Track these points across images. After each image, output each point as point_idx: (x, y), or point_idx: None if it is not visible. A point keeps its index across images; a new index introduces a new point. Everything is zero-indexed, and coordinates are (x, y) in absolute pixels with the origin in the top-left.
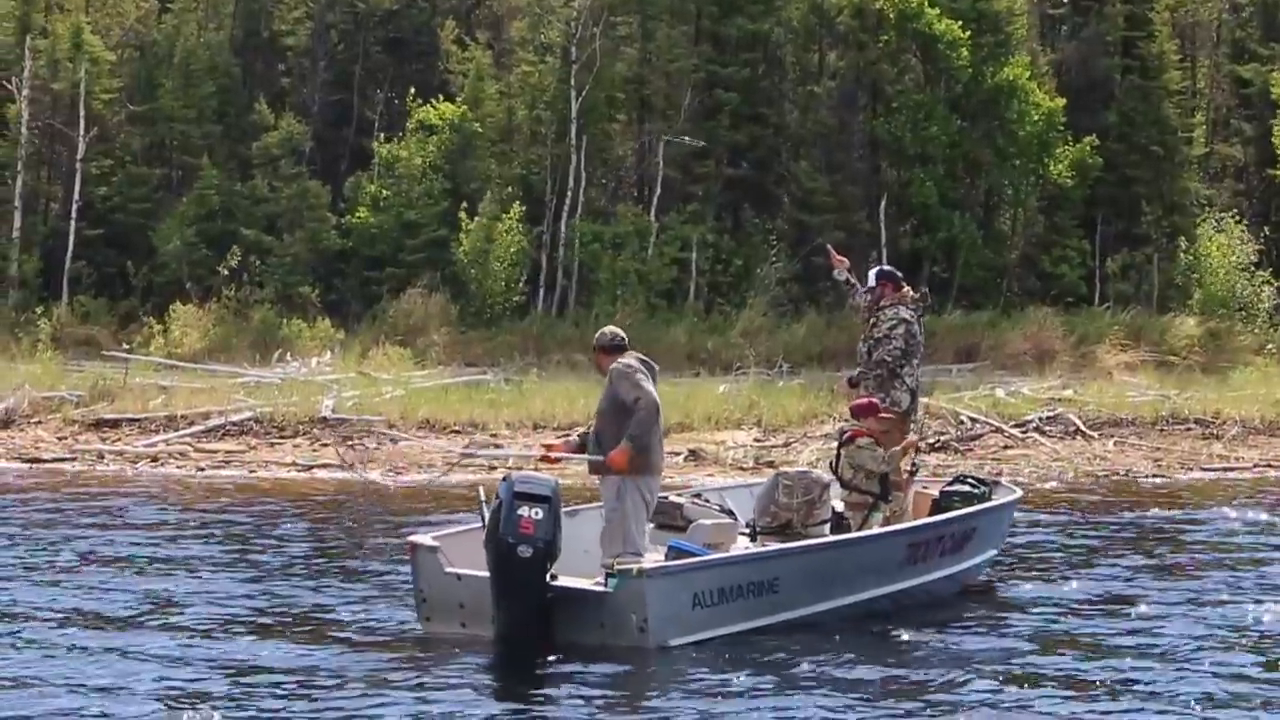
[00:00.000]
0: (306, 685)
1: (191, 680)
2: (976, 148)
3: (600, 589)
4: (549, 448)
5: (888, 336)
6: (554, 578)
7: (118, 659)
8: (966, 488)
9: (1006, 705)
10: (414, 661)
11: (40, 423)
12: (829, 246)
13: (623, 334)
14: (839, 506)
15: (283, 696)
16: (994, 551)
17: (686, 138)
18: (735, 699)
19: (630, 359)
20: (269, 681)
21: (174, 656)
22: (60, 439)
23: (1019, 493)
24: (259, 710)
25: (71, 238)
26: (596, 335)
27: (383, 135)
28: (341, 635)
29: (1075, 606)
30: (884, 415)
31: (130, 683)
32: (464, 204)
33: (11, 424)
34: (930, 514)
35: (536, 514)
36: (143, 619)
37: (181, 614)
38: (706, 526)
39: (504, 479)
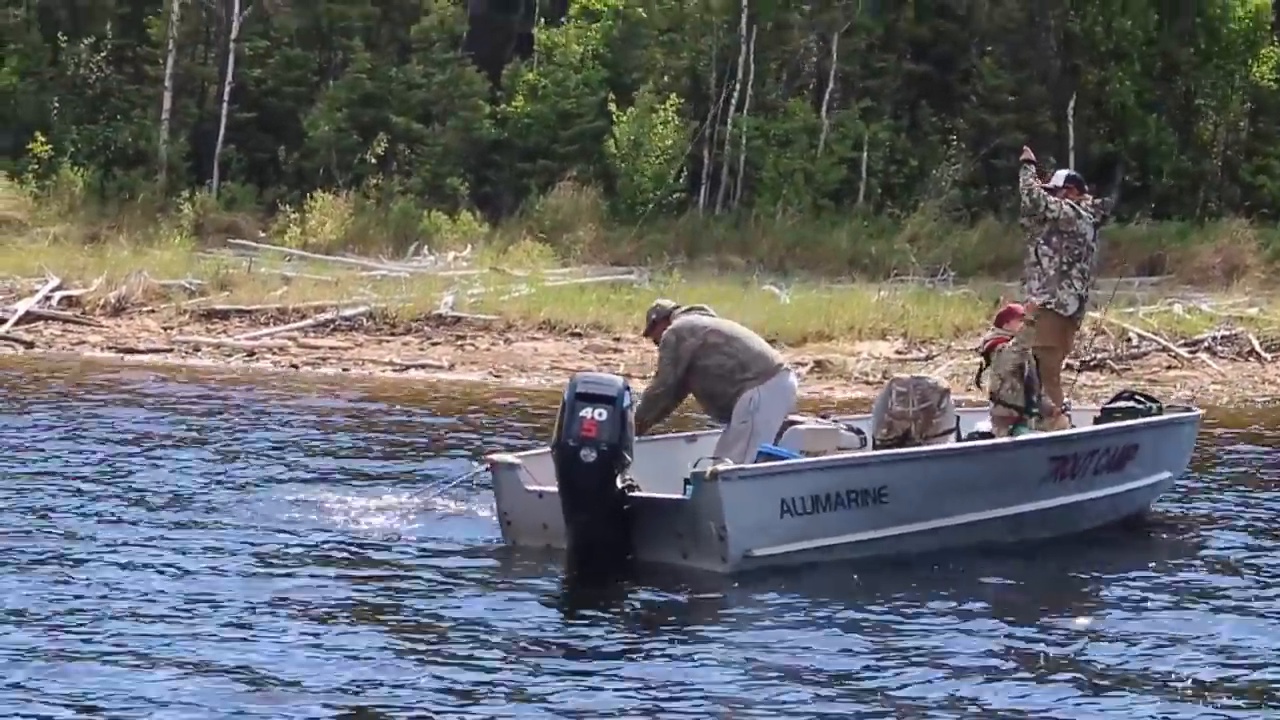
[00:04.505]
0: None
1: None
2: (1175, 46)
3: (677, 497)
4: None
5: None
6: (634, 489)
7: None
8: (1130, 403)
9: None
10: (479, 581)
11: (152, 311)
12: (1025, 146)
13: (667, 304)
14: (985, 426)
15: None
16: (1168, 474)
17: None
18: (817, 624)
19: (678, 324)
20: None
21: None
22: (165, 329)
23: (1197, 412)
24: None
25: (223, 121)
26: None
27: (544, 21)
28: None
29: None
30: (1027, 316)
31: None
32: (622, 94)
33: (122, 312)
34: None
35: (600, 415)
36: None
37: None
38: (801, 432)
39: (570, 380)
